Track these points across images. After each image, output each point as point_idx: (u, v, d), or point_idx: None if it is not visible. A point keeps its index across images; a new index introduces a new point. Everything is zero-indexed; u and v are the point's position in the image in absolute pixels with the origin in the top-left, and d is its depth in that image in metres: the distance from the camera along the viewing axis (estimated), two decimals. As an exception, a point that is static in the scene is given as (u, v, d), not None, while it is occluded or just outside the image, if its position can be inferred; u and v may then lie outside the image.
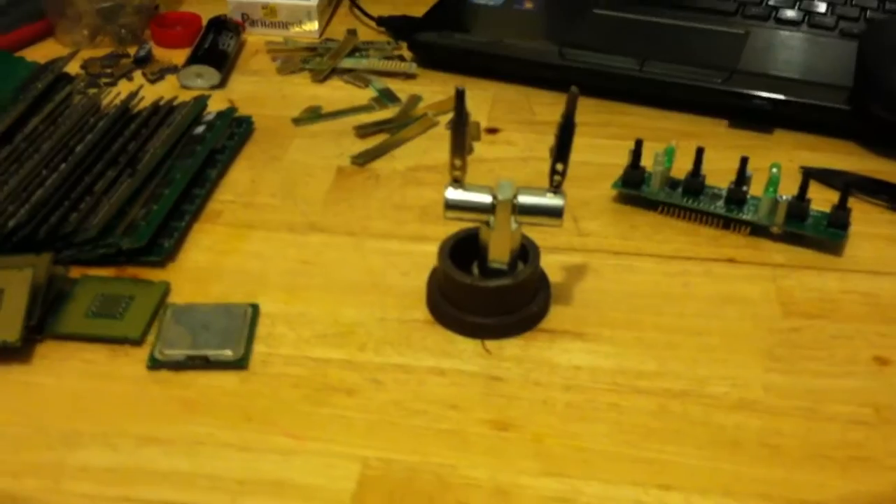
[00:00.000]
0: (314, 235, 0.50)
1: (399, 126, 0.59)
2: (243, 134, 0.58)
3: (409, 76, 0.65)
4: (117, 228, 0.47)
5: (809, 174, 0.49)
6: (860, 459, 0.37)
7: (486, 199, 0.41)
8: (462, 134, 0.39)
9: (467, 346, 0.43)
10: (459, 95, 0.38)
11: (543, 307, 0.44)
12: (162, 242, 0.48)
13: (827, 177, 0.53)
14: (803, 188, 0.48)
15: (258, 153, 0.57)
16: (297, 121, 0.60)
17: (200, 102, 0.58)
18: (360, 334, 0.43)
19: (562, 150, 0.39)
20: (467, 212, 0.41)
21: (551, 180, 0.41)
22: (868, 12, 0.67)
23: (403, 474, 0.37)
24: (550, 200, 0.41)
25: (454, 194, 0.41)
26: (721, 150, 0.54)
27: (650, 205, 0.51)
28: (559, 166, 0.40)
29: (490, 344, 0.43)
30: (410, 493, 0.36)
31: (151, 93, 0.61)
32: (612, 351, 0.42)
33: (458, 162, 0.40)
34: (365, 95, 0.63)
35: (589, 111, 0.60)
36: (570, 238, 0.49)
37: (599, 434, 0.38)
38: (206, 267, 0.47)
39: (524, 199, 0.41)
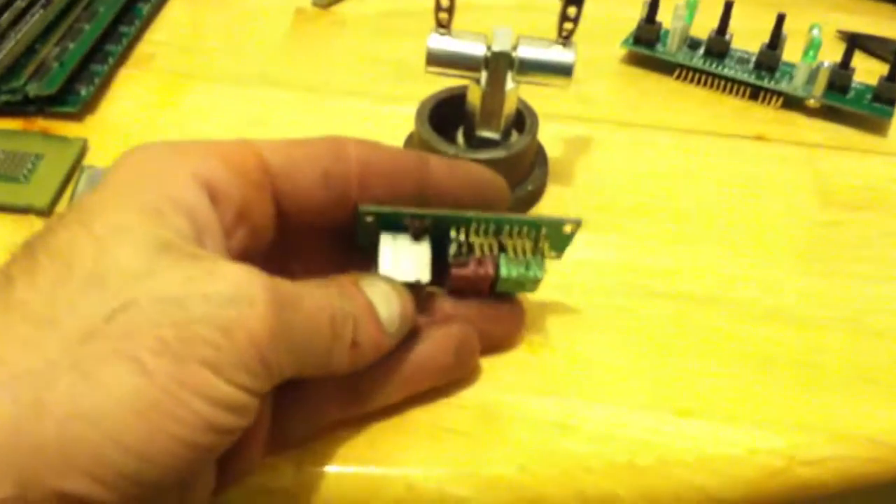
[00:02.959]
0: (266, 89, 0.42)
1: (370, -38, 0.50)
2: (184, -38, 0.49)
3: None
4: (24, 70, 0.40)
5: (853, 40, 0.41)
6: (914, 386, 0.31)
7: (478, 49, 0.33)
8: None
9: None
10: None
11: (540, 187, 0.37)
12: (79, 90, 0.41)
13: (870, 44, 0.45)
14: (848, 54, 0.41)
15: (201, -14, 0.48)
16: (249, -50, 0.51)
17: (132, -81, 0.49)
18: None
19: (577, -10, 0.31)
20: (454, 65, 0.33)
21: (560, 29, 0.32)
22: None
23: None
24: (559, 55, 0.33)
25: (439, 42, 0.33)
26: (744, 6, 0.46)
27: (666, 68, 0.44)
28: (571, 10, 0.32)
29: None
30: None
31: None
32: (620, 243, 0.35)
33: (444, 1, 0.32)
34: (331, -77, 0.54)
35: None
36: (570, 104, 0.42)
37: (606, 346, 0.32)
38: (133, 123, 0.40)
39: (526, 51, 0.33)
